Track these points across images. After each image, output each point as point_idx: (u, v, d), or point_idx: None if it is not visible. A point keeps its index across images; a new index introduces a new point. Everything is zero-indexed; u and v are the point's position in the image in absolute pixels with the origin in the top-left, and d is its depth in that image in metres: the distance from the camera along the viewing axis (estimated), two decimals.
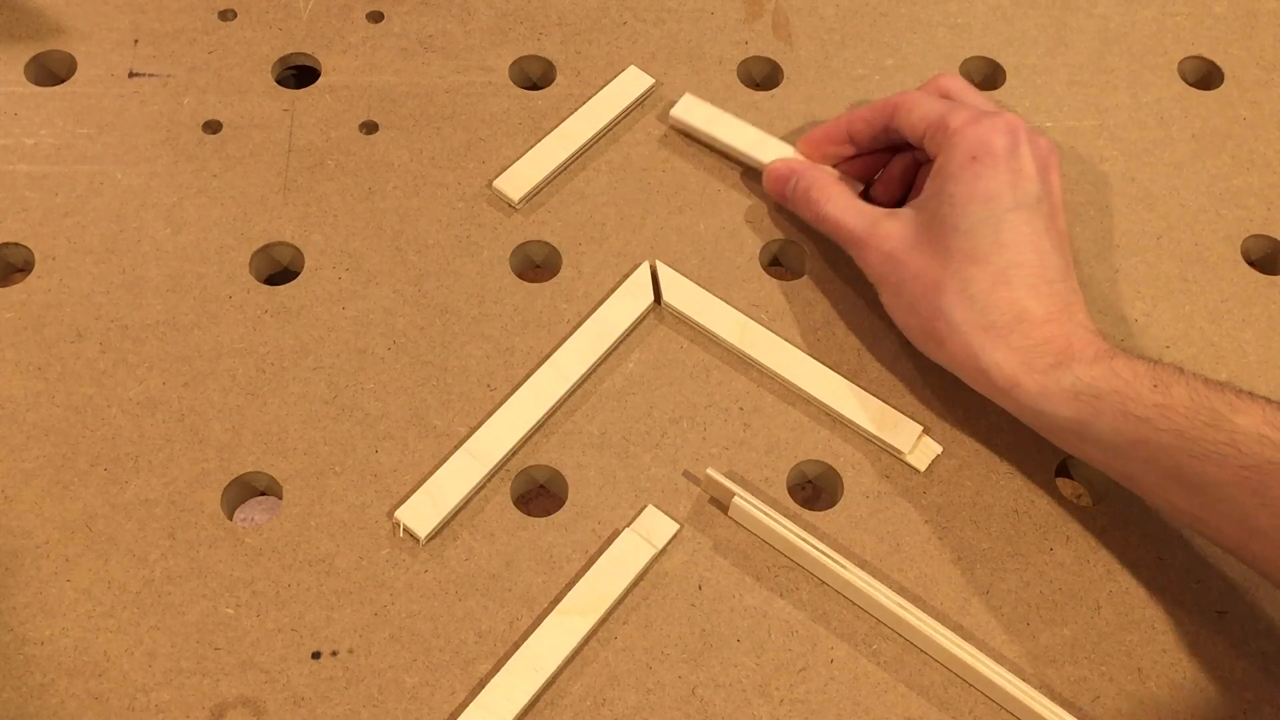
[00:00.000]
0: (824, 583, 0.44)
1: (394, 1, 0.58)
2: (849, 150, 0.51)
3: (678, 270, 0.50)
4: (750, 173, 0.53)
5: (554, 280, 0.50)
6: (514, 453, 0.46)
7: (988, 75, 0.58)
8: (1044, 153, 0.46)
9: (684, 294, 0.49)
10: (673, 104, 0.54)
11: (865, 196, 0.51)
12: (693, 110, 0.54)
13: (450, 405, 0.47)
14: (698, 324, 0.48)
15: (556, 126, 0.53)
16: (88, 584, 0.42)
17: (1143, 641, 0.43)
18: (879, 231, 0.46)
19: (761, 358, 0.48)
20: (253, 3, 0.57)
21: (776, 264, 0.53)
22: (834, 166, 0.51)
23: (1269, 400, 0.38)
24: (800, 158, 0.52)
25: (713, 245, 0.51)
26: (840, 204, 0.48)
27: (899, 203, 0.51)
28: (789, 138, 0.54)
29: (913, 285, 0.44)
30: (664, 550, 0.44)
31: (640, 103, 0.55)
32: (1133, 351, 0.49)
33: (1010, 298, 0.42)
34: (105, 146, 0.52)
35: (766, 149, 0.53)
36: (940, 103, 0.47)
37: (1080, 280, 0.51)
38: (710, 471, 0.44)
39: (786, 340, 0.48)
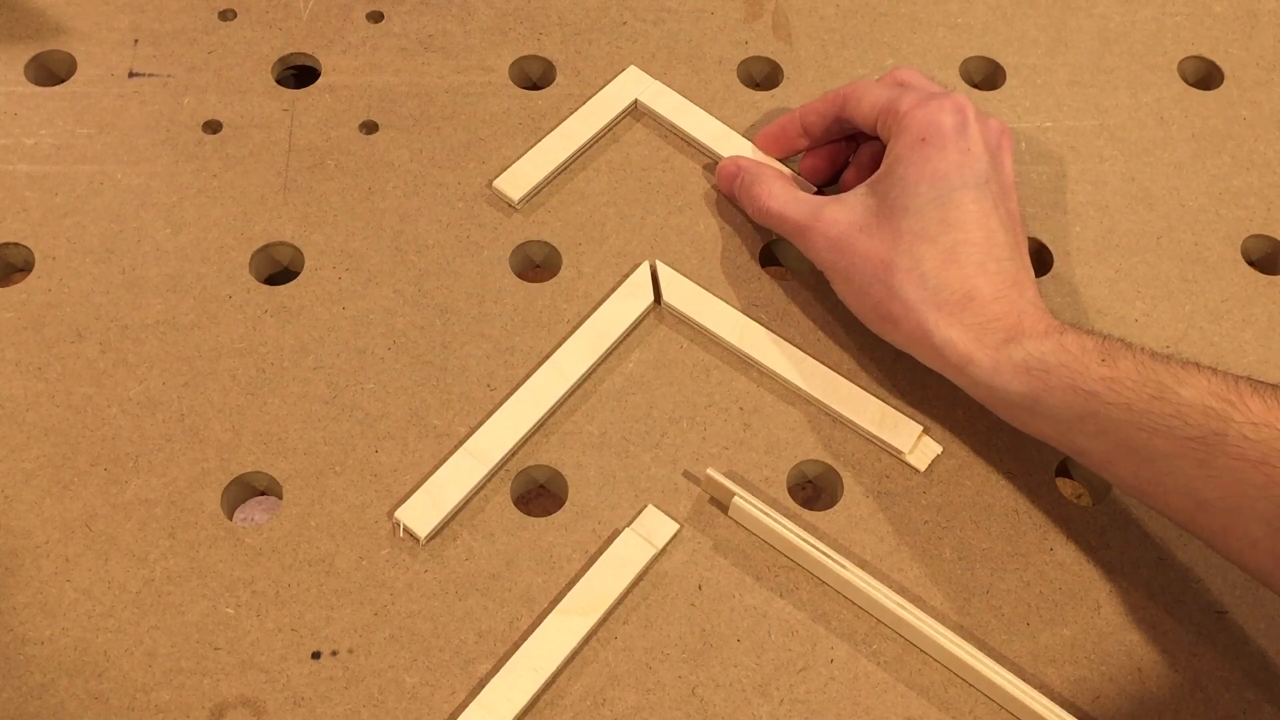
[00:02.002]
0: (824, 583, 0.44)
1: (394, 1, 0.58)
2: (804, 143, 0.52)
3: (678, 270, 0.50)
4: (713, 165, 0.53)
5: (554, 280, 0.50)
6: (514, 453, 0.46)
7: (988, 75, 0.58)
8: (995, 134, 0.46)
9: (684, 294, 0.49)
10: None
11: (835, 185, 0.53)
12: (658, 99, 0.54)
13: (450, 405, 0.47)
14: (698, 324, 0.48)
15: (556, 126, 0.53)
16: (88, 584, 0.42)
17: (1143, 641, 0.43)
18: (823, 218, 0.46)
19: (761, 358, 0.48)
20: (253, 3, 0.57)
21: (776, 264, 0.53)
22: (796, 158, 0.52)
23: (1214, 371, 0.38)
24: (747, 155, 0.52)
25: (713, 245, 0.51)
26: (781, 197, 0.48)
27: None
28: None
29: (862, 267, 0.45)
30: (664, 550, 0.44)
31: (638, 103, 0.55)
32: None
33: (960, 276, 0.43)
34: (105, 146, 0.52)
35: (727, 143, 0.53)
36: (889, 89, 0.47)
37: (1080, 280, 0.51)
38: (710, 471, 0.44)
39: (786, 340, 0.48)
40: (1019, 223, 0.46)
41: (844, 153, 0.52)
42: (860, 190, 0.46)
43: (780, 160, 0.53)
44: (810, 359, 0.48)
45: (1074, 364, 0.40)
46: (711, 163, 0.53)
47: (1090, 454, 0.41)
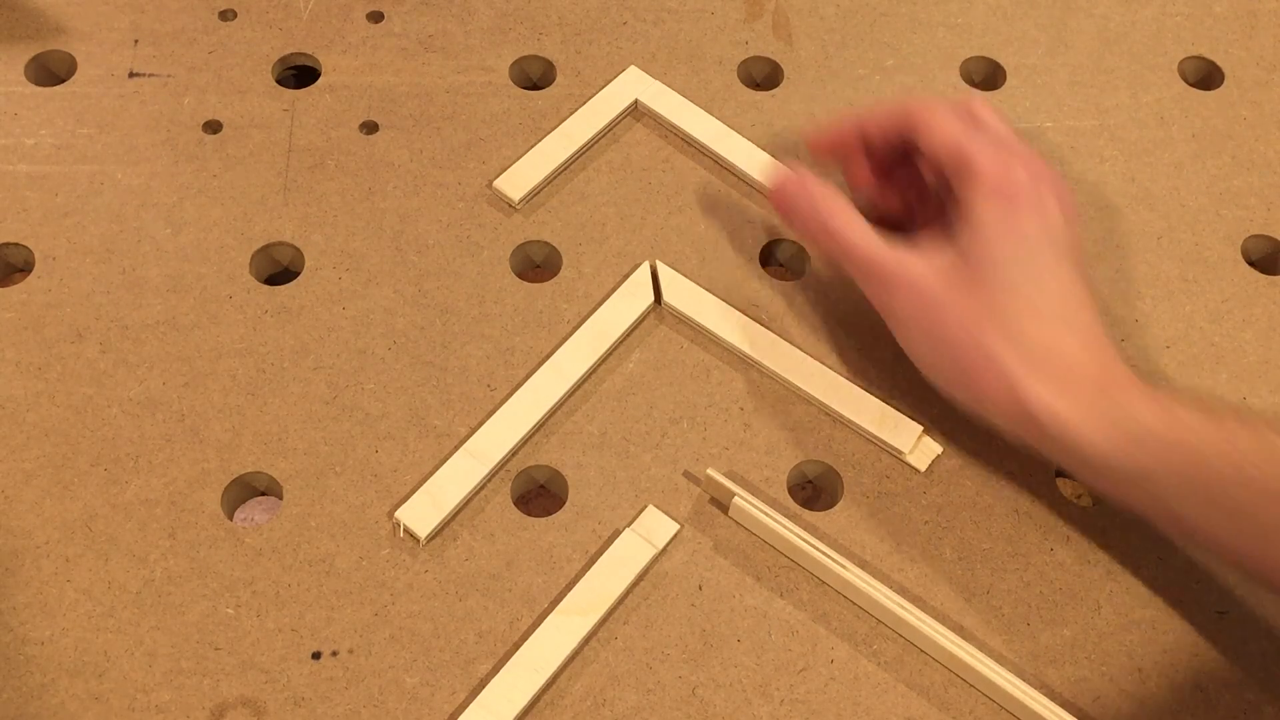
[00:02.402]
0: (824, 583, 0.44)
1: (394, 1, 0.58)
2: (860, 153, 0.49)
3: (678, 270, 0.50)
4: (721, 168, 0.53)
5: (554, 280, 0.50)
6: (514, 453, 0.46)
7: (988, 75, 0.58)
8: (1064, 193, 0.45)
9: (684, 294, 0.49)
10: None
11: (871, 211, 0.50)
12: (658, 99, 0.54)
13: (450, 405, 0.47)
14: (698, 324, 0.48)
15: (556, 126, 0.53)
16: (88, 584, 0.42)
17: (1143, 641, 0.43)
18: (908, 268, 0.44)
19: (761, 358, 0.48)
20: (253, 3, 0.57)
21: (776, 264, 0.53)
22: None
23: None
24: (803, 173, 0.48)
25: (713, 245, 0.51)
26: (862, 232, 0.45)
27: (906, 214, 0.50)
28: (789, 138, 0.54)
29: (947, 322, 0.43)
30: (664, 550, 0.44)
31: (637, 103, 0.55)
32: (1133, 352, 0.49)
33: (1050, 335, 0.41)
34: (105, 146, 0.52)
35: (727, 143, 0.53)
36: (958, 124, 0.45)
37: None
38: (710, 471, 0.44)
39: (786, 340, 0.48)
40: (1091, 286, 0.44)
41: (889, 165, 0.49)
42: (937, 241, 0.44)
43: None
44: (810, 359, 0.48)
45: (1183, 430, 0.39)
46: (713, 163, 0.53)
47: (1194, 524, 0.40)
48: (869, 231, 0.45)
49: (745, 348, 0.48)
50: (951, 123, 0.45)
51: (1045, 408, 0.41)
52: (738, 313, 0.49)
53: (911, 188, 0.50)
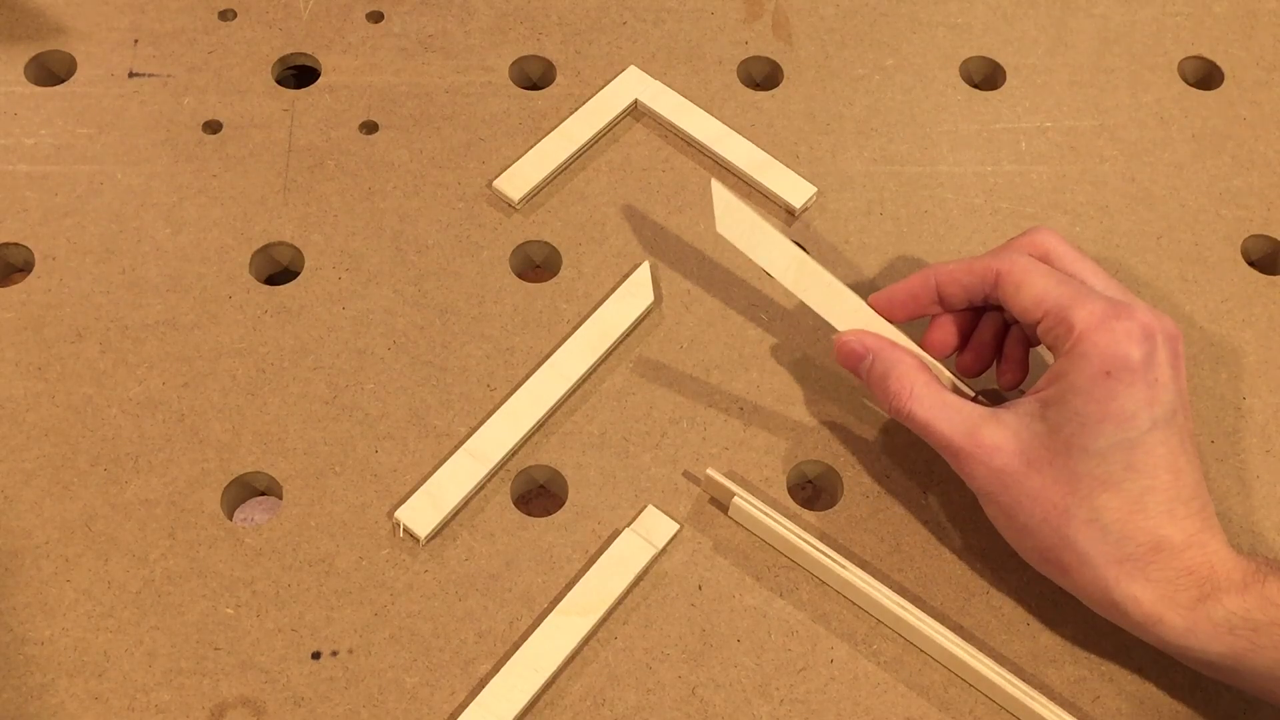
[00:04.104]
0: (824, 583, 0.44)
1: (394, 1, 0.58)
2: (935, 310, 0.45)
3: (676, 270, 0.50)
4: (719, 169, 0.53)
5: (554, 280, 0.50)
6: (514, 453, 0.46)
7: (988, 75, 0.58)
8: (1173, 341, 0.40)
9: (737, 218, 0.44)
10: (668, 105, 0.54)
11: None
12: (658, 99, 0.54)
13: (450, 405, 0.47)
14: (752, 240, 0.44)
15: (556, 126, 0.53)
16: (88, 584, 0.42)
17: (1143, 641, 0.43)
18: (983, 442, 0.40)
19: (810, 281, 0.44)
20: (253, 3, 0.57)
21: None
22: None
23: None
24: (871, 331, 0.44)
25: (713, 245, 0.51)
26: (926, 401, 0.42)
27: (987, 367, 0.46)
28: (788, 136, 0.54)
29: (1030, 508, 0.40)
30: (664, 550, 0.44)
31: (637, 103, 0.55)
32: None
33: (1146, 526, 0.38)
34: (105, 146, 0.52)
35: (726, 143, 0.53)
36: (1057, 285, 0.41)
37: None
38: (710, 471, 0.44)
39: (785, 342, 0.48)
40: (1194, 439, 0.41)
41: (975, 322, 0.46)
42: (1024, 411, 0.40)
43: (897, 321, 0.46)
44: (850, 291, 0.44)
45: (1276, 612, 0.37)
46: (713, 164, 0.53)
47: None
48: (935, 397, 0.42)
49: (805, 276, 0.44)
50: (1043, 278, 0.41)
51: (1141, 610, 0.39)
52: (791, 245, 0.44)
53: (997, 347, 0.46)
